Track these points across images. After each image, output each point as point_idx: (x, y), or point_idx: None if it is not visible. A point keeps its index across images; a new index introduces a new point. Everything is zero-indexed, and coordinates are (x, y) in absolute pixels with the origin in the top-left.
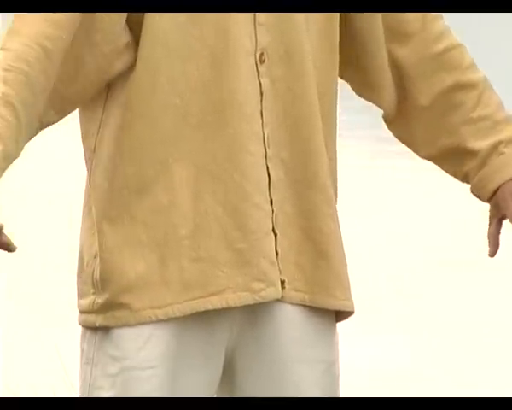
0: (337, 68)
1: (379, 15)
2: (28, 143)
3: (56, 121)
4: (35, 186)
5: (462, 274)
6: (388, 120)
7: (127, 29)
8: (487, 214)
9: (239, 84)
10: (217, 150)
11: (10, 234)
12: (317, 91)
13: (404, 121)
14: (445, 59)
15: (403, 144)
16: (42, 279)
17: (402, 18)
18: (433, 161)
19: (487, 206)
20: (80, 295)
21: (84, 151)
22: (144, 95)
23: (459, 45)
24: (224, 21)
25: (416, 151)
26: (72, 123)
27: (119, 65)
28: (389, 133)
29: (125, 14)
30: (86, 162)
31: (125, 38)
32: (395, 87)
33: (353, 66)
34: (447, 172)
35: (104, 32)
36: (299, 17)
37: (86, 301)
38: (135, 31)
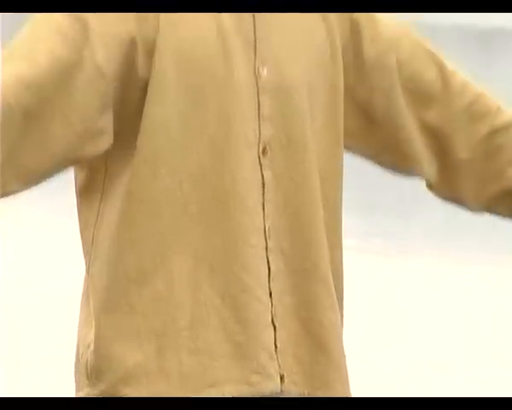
0: (341, 154)
1: (395, 87)
2: (29, 230)
3: (20, 191)
4: (36, 276)
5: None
6: (432, 186)
7: (106, 114)
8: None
9: (241, 176)
10: (217, 242)
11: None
12: (318, 178)
13: (448, 181)
14: (475, 109)
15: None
16: (41, 374)
17: (421, 81)
18: (486, 210)
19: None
20: (76, 389)
21: (83, 244)
22: (144, 185)
23: (482, 92)
24: (226, 112)
25: (465, 205)
26: (73, 209)
27: (90, 148)
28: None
29: (103, 97)
30: (85, 255)
31: (101, 122)
32: (431, 150)
33: (387, 148)
34: (503, 215)
35: (79, 110)
36: (304, 106)
37: (82, 394)
38: (133, 120)
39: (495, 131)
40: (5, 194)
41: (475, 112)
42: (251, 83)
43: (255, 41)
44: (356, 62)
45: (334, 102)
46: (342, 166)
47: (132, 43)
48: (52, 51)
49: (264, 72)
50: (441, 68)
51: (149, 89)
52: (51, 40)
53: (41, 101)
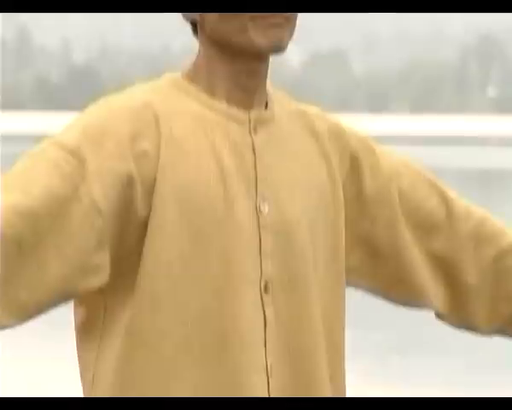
0: (344, 292)
1: (398, 218)
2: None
3: (13, 326)
4: None
5: None
6: (441, 315)
7: (103, 251)
8: None
9: (243, 315)
10: (217, 381)
11: None
12: (321, 315)
13: (458, 308)
14: (480, 233)
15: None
16: None
17: (424, 210)
18: (499, 333)
19: None
20: None
21: (83, 384)
22: (144, 324)
23: (485, 215)
24: (228, 251)
25: (477, 330)
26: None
27: (86, 284)
28: None
29: (99, 233)
30: (85, 395)
31: (97, 258)
32: (439, 280)
33: (393, 282)
34: None
35: (74, 244)
36: (305, 244)
37: None
38: (132, 258)
39: (503, 254)
40: None
41: (481, 236)
42: (252, 220)
43: (256, 179)
44: (357, 197)
45: (336, 239)
46: (344, 302)
47: (130, 182)
48: (48, 185)
49: (266, 209)
50: (443, 196)
51: (149, 228)
52: (48, 174)
53: (35, 232)
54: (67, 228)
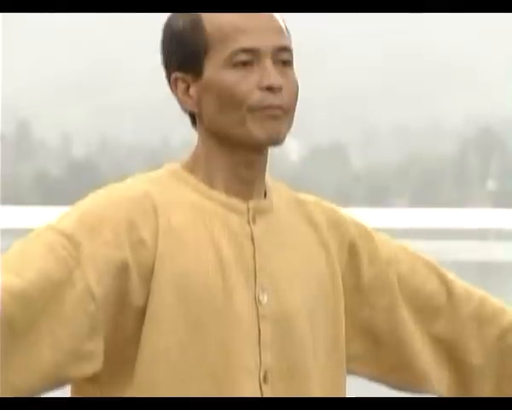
0: (344, 381)
1: (398, 304)
2: None
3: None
4: None
5: None
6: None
7: (96, 338)
8: None
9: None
10: None
11: None
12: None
13: (462, 390)
14: (482, 314)
15: None
16: None
17: (425, 294)
18: None
19: None
20: None
21: None
22: None
23: (484, 295)
24: (227, 342)
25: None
26: None
27: (76, 370)
28: None
29: (92, 319)
30: None
31: (90, 345)
32: (443, 363)
33: (395, 368)
34: None
35: (67, 328)
36: (305, 334)
37: None
38: (129, 346)
39: (506, 332)
40: None
41: (483, 316)
42: (251, 310)
43: (255, 269)
44: (355, 286)
45: (336, 328)
46: (345, 391)
47: (125, 269)
48: (42, 268)
49: (265, 299)
50: (443, 278)
51: (147, 315)
52: (42, 257)
53: (28, 314)
54: (61, 312)
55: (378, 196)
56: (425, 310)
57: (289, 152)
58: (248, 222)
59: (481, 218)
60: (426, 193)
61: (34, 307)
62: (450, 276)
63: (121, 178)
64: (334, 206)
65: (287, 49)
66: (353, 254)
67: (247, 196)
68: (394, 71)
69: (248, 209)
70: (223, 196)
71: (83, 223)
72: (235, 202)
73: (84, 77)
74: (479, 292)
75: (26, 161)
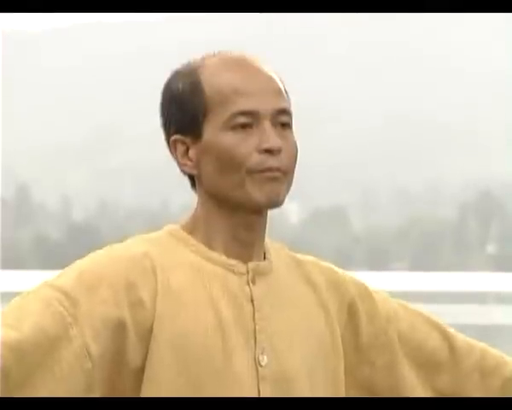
0: None
1: (398, 360)
2: None
3: None
4: None
5: None
6: None
7: (93, 395)
8: None
9: None
10: None
11: None
12: None
13: None
14: (484, 366)
15: None
16: None
17: (426, 350)
18: None
19: None
20: None
21: None
22: None
23: (485, 347)
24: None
25: None
26: None
27: None
28: None
29: (88, 376)
30: None
31: (91, 392)
32: None
33: None
34: None
35: (63, 384)
36: (304, 393)
37: None
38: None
39: (508, 382)
40: None
41: (485, 368)
42: (251, 372)
43: (255, 330)
44: (355, 344)
45: (336, 387)
46: None
47: (122, 328)
48: (39, 322)
49: (265, 360)
50: (444, 334)
51: (145, 376)
52: (39, 313)
53: (23, 367)
54: (56, 368)
55: (378, 259)
56: (427, 365)
57: (289, 214)
58: (248, 283)
59: (481, 281)
60: (426, 256)
61: (30, 360)
62: (451, 330)
63: (121, 241)
64: (332, 266)
65: (286, 112)
66: (352, 313)
67: (246, 259)
68: (394, 135)
69: (248, 271)
70: (222, 258)
71: (81, 281)
72: (235, 263)
73: (84, 141)
74: (479, 345)
75: (25, 224)
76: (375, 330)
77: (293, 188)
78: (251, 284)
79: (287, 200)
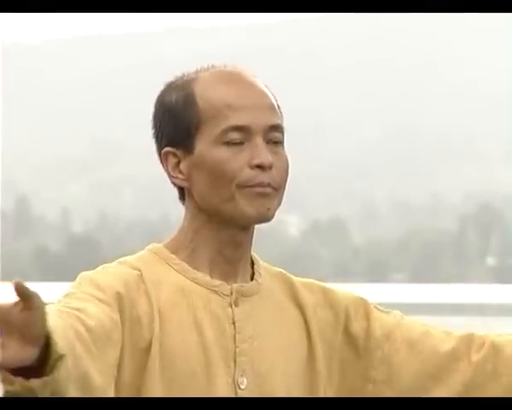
0: None
1: (403, 380)
2: None
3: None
4: None
5: None
6: None
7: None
8: None
9: None
10: None
11: None
12: None
13: None
14: (497, 358)
15: None
16: None
17: (440, 356)
18: None
19: None
20: None
21: None
22: None
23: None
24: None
25: None
26: None
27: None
28: None
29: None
30: None
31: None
32: None
33: None
34: None
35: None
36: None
37: None
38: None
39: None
40: None
41: (498, 361)
42: (230, 394)
43: (235, 352)
44: (354, 362)
45: None
46: None
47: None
48: (99, 317)
49: (244, 383)
50: (452, 336)
51: (134, 387)
52: (97, 307)
53: (86, 352)
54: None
55: (378, 271)
56: (441, 371)
57: (289, 226)
58: (230, 305)
59: (481, 293)
60: (426, 268)
61: (92, 349)
62: (455, 332)
63: (120, 253)
64: (327, 286)
65: (278, 128)
66: (348, 333)
67: (231, 276)
68: (393, 147)
69: (232, 292)
70: (206, 278)
71: (99, 284)
72: (219, 284)
73: (84, 153)
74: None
75: (25, 236)
76: (372, 346)
77: (292, 200)
78: (233, 306)
79: (286, 212)
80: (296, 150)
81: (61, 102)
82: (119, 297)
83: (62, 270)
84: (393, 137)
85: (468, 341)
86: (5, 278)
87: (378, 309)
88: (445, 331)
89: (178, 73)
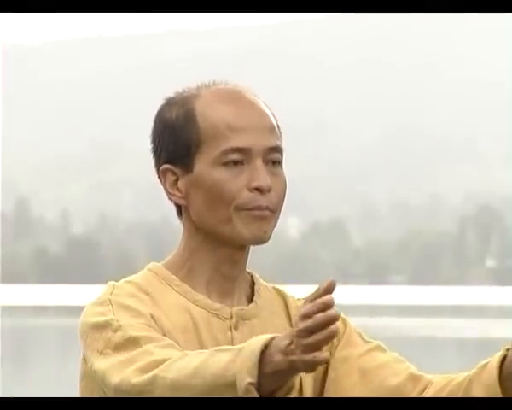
0: None
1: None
2: None
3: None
4: None
5: None
6: None
7: None
8: None
9: None
10: None
11: None
12: None
13: None
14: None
15: None
16: None
17: (391, 387)
18: None
19: None
20: None
21: None
22: None
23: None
24: None
25: None
26: None
27: None
28: None
29: None
30: None
31: None
32: None
33: None
34: None
35: None
36: None
37: None
38: None
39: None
40: None
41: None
42: None
43: None
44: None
45: None
46: None
47: None
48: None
49: None
50: (411, 373)
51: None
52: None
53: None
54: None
55: (377, 272)
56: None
57: (289, 228)
58: (230, 329)
59: (480, 295)
60: (425, 270)
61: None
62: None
63: (120, 253)
64: None
65: (277, 149)
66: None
67: (229, 294)
68: (393, 148)
69: (232, 316)
70: (207, 301)
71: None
72: (219, 307)
73: (83, 154)
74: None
75: (24, 238)
76: (331, 366)
77: (293, 201)
78: (233, 330)
79: (286, 213)
80: (296, 150)
81: (61, 103)
82: (153, 319)
83: (62, 271)
84: (393, 138)
85: (416, 380)
86: (5, 280)
87: (359, 336)
88: (405, 367)
89: (181, 74)
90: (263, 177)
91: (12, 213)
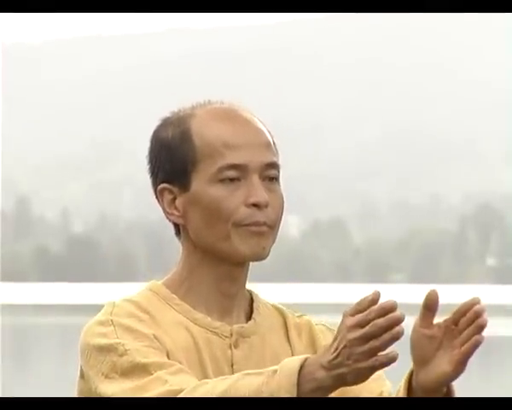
0: None
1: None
2: None
3: None
4: None
5: None
6: None
7: None
8: None
9: None
10: None
11: None
12: None
13: None
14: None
15: None
16: None
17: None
18: None
19: None
20: None
21: None
22: None
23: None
24: None
25: None
26: None
27: None
28: None
29: None
30: None
31: None
32: None
33: None
34: None
35: None
36: None
37: None
38: None
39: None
40: None
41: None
42: None
43: None
44: None
45: None
46: None
47: None
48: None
49: None
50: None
51: None
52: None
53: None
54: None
55: (378, 271)
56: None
57: (289, 227)
58: (230, 347)
59: (481, 294)
60: (425, 268)
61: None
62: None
63: (120, 252)
64: (323, 326)
65: (274, 165)
66: None
67: (228, 312)
68: (393, 148)
69: (231, 333)
70: (207, 320)
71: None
72: (219, 325)
73: (84, 154)
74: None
75: (25, 237)
76: None
77: (293, 200)
78: (233, 348)
79: (286, 212)
80: (296, 150)
81: (61, 103)
82: (156, 338)
83: (62, 270)
84: (393, 137)
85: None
86: (5, 278)
87: None
88: (380, 385)
89: (181, 73)
90: (260, 193)
91: (12, 212)
